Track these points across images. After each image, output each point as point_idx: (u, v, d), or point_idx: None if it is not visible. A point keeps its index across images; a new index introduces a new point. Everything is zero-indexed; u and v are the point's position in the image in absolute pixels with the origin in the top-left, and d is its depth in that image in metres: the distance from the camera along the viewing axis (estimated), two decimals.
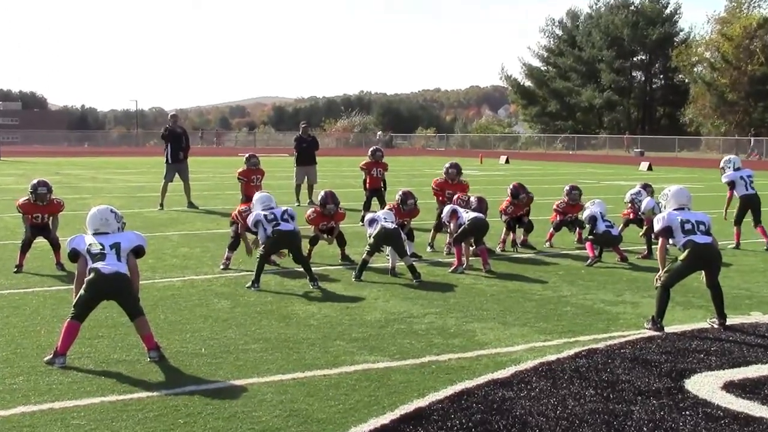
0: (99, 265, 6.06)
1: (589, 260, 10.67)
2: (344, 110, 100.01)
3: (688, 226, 7.06)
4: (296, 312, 7.78)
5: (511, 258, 11.31)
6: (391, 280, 9.50)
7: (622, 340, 6.77)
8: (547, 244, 12.31)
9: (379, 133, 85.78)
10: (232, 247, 10.14)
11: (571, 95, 78.60)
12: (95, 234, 6.26)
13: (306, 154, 19.58)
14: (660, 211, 7.48)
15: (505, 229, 11.99)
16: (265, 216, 9.04)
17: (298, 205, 18.46)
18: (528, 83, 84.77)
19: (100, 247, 6.14)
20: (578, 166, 44.06)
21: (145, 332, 6.10)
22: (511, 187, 12.07)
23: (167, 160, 18.14)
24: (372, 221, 9.98)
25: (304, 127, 20.23)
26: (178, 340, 6.69)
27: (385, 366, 5.99)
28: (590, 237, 10.91)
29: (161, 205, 17.60)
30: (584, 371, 5.83)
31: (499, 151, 63.96)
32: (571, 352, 6.37)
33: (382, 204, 14.78)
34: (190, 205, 17.89)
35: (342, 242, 10.80)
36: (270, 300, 8.30)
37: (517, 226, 12.03)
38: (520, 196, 11.91)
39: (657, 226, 7.20)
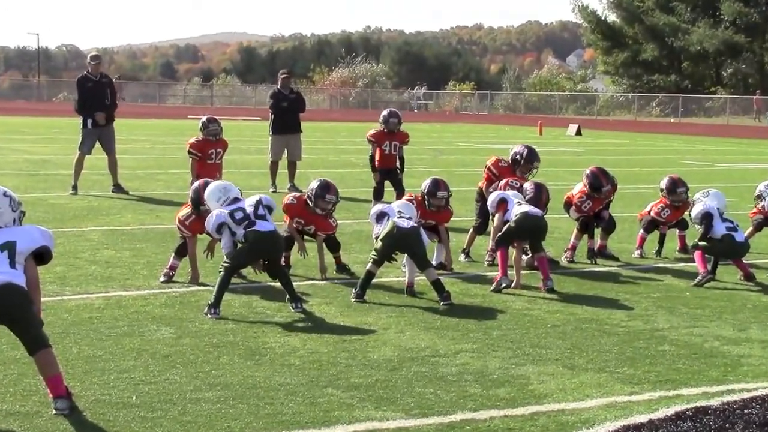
0: None
1: (699, 278, 10.67)
2: (343, 55, 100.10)
3: None
4: (270, 346, 7.81)
5: (583, 272, 11.31)
6: (408, 302, 9.53)
7: (747, 395, 6.75)
8: (637, 252, 12.32)
9: (416, 88, 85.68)
10: (180, 252, 10.19)
11: (675, 36, 78.39)
12: None
13: (286, 118, 19.62)
14: None
15: (576, 231, 12.01)
16: (231, 214, 9.04)
17: (274, 191, 18.53)
18: (612, 17, 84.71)
19: None
20: (684, 140, 43.86)
21: (49, 373, 6.12)
22: (588, 173, 12.04)
23: (83, 123, 18.22)
24: (380, 216, 10.00)
25: (284, 77, 20.26)
26: (97, 383, 6.71)
27: (399, 426, 5.99)
28: (701, 244, 10.88)
29: (74, 187, 17.69)
30: None
31: (566, 117, 64.04)
32: (670, 411, 6.35)
33: (399, 192, 14.80)
34: (117, 188, 17.97)
35: (335, 246, 10.84)
36: (232, 328, 8.33)
37: (594, 225, 12.02)
38: (603, 189, 11.92)
39: None
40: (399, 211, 9.97)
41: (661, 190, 12.23)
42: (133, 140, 30.73)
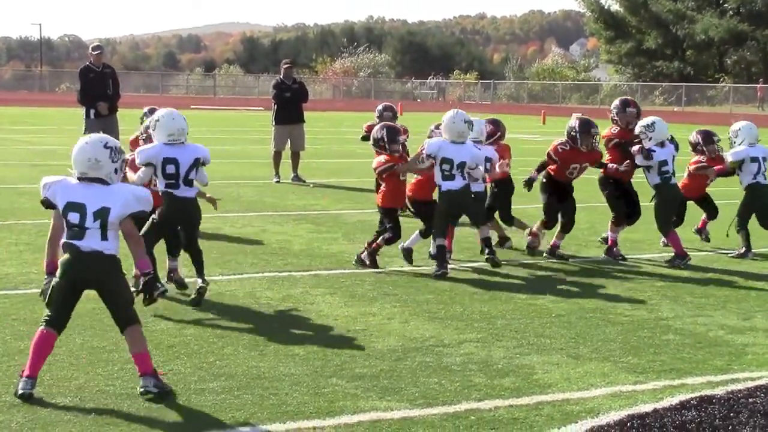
0: (76, 241, 6.22)
1: (678, 260, 11.02)
2: (346, 45, 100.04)
3: None
4: (274, 336, 7.81)
5: (587, 261, 11.31)
6: (412, 292, 9.52)
7: (751, 384, 6.76)
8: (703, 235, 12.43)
9: (429, 78, 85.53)
10: (174, 250, 9.30)
11: (680, 24, 78.24)
12: (82, 181, 6.33)
13: (289, 108, 19.61)
14: None
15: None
16: (165, 161, 8.48)
17: (278, 182, 18.56)
18: (616, 6, 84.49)
19: (79, 215, 6.21)
20: (687, 128, 43.69)
21: (135, 350, 6.27)
22: (575, 123, 11.41)
23: (86, 113, 18.21)
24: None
25: (286, 68, 20.25)
26: (101, 374, 6.72)
27: (403, 416, 6.01)
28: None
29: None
30: (693, 429, 5.83)
31: (570, 106, 63.96)
32: (675, 400, 6.36)
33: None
34: None
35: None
36: (236, 318, 8.34)
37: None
38: (592, 131, 11.21)
39: None
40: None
41: (696, 146, 12.12)
42: (136, 130, 30.63)
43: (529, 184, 11.33)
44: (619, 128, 11.57)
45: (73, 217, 6.24)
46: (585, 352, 7.53)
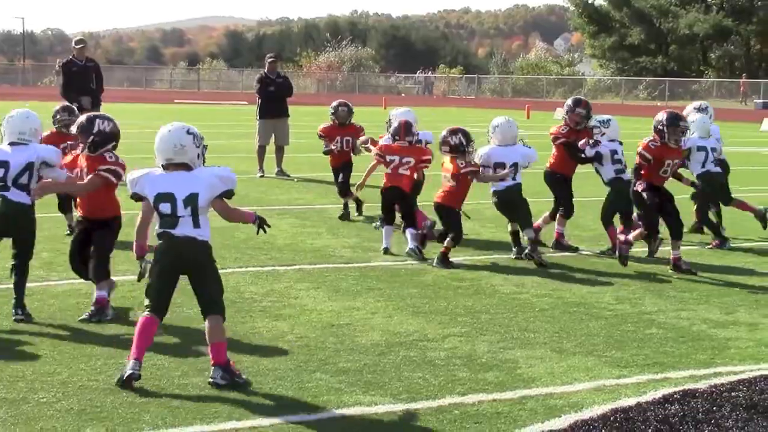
0: (170, 230, 6.47)
1: (614, 249, 10.94)
2: (330, 39, 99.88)
3: None
4: (258, 331, 7.80)
5: (571, 256, 11.33)
6: (396, 287, 9.52)
7: (734, 378, 6.78)
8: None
9: (418, 72, 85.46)
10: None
11: (664, 19, 78.44)
12: (166, 169, 6.53)
13: (273, 102, 19.57)
14: None
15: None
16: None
17: (262, 176, 18.51)
18: (599, 1, 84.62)
19: (170, 204, 6.43)
20: None
21: (213, 339, 6.42)
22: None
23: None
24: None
25: (271, 62, 20.19)
26: (84, 369, 6.70)
27: (387, 410, 6.01)
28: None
29: None
30: (676, 423, 5.84)
31: (554, 101, 63.94)
32: (658, 394, 6.38)
33: (344, 190, 13.69)
34: None
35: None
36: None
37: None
38: (681, 124, 10.63)
39: None
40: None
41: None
42: (123, 124, 30.50)
43: (638, 195, 10.70)
44: (568, 128, 11.62)
45: (165, 207, 6.49)
46: (569, 347, 7.54)
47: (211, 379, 6.36)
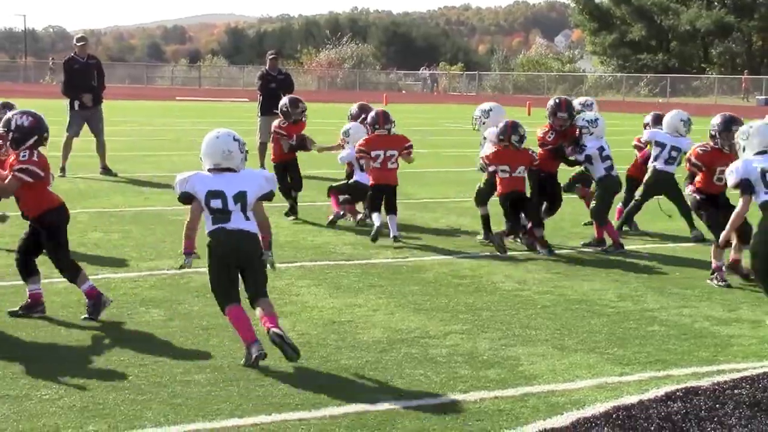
0: (222, 224, 6.88)
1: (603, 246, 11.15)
2: (330, 36, 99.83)
3: None
4: (259, 328, 7.78)
5: (573, 253, 11.31)
6: (398, 284, 9.51)
7: (737, 375, 6.77)
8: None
9: (422, 69, 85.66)
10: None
11: (665, 15, 78.40)
12: (213, 172, 6.94)
13: (275, 99, 19.34)
14: None
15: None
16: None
17: None
18: None
19: (221, 200, 6.84)
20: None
21: (267, 313, 6.83)
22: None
23: (70, 104, 18.14)
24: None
25: (272, 58, 20.19)
26: (87, 366, 6.70)
27: (389, 408, 6.00)
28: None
29: (62, 169, 17.61)
30: (679, 420, 5.84)
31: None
32: (660, 392, 6.38)
33: (295, 187, 13.48)
34: (105, 170, 17.91)
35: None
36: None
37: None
38: (734, 128, 9.59)
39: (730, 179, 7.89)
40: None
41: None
42: (121, 122, 30.58)
43: (702, 204, 10.11)
44: (554, 132, 11.64)
45: (216, 203, 6.90)
46: (570, 344, 7.53)
47: (277, 334, 6.61)
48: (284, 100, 13.85)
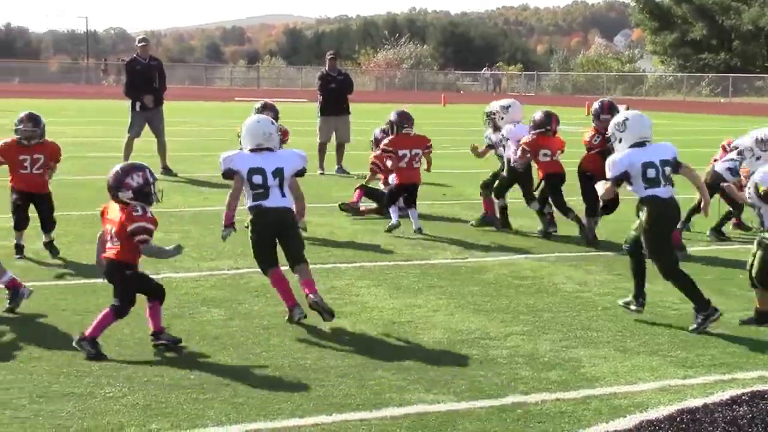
0: (261, 201, 7.83)
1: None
2: (388, 36, 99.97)
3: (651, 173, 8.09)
4: (320, 328, 7.82)
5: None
6: (457, 285, 9.49)
7: None
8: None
9: (484, 69, 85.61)
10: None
11: (726, 14, 77.48)
12: (255, 151, 7.93)
13: (334, 100, 19.61)
14: None
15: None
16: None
17: (322, 174, 18.57)
18: None
19: (261, 176, 7.75)
20: (732, 120, 43.44)
21: (305, 277, 7.81)
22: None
23: (132, 105, 18.33)
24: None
25: (331, 59, 20.25)
26: (149, 365, 6.78)
27: (449, 409, 6.00)
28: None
29: None
30: (745, 425, 5.78)
31: (614, 98, 63.30)
32: (726, 395, 6.31)
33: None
34: (166, 170, 18.08)
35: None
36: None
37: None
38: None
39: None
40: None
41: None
42: (180, 123, 30.87)
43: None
44: (600, 136, 11.43)
45: (257, 179, 7.81)
46: (632, 346, 7.47)
47: (314, 300, 7.58)
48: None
